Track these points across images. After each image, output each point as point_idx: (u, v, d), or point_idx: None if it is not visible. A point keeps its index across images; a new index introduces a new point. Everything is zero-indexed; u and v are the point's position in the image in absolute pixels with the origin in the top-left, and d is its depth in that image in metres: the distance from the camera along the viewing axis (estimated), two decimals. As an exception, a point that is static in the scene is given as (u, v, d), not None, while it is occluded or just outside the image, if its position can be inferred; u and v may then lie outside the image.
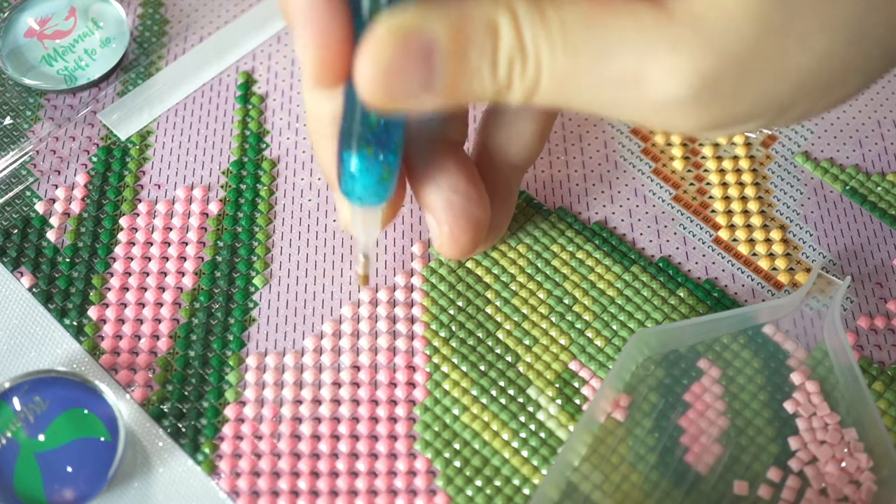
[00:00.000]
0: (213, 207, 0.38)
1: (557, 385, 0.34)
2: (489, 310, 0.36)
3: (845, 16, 0.23)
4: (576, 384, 0.34)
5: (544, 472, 0.32)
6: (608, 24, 0.24)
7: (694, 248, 0.37)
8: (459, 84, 0.25)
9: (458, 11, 0.24)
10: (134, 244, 0.37)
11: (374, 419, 0.33)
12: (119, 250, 0.37)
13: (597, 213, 0.38)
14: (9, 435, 0.32)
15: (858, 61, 0.24)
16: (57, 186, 0.38)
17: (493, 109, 0.34)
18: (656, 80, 0.24)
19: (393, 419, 0.33)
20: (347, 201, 0.30)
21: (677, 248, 0.37)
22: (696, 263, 0.37)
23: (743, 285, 0.36)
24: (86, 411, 0.32)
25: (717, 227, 0.38)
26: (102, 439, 0.32)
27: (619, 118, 0.27)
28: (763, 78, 0.24)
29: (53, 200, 0.38)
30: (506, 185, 0.35)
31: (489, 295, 0.36)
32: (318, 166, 0.33)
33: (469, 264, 0.36)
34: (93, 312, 0.35)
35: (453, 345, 0.35)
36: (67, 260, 0.36)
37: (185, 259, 0.37)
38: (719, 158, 0.39)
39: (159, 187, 0.38)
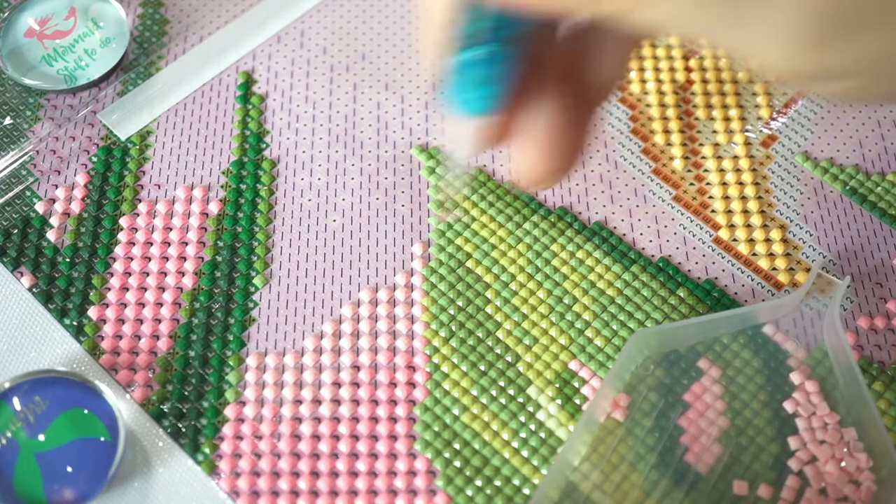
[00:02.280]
0: (213, 207, 0.38)
1: (557, 385, 0.34)
2: (489, 310, 0.36)
3: None
4: (576, 384, 0.34)
5: (544, 471, 0.32)
6: None
7: (694, 248, 0.37)
8: None
9: None
10: (134, 244, 0.37)
11: (374, 419, 0.33)
12: (119, 250, 0.37)
13: (597, 213, 0.38)
14: (9, 435, 0.32)
15: None
16: (57, 186, 0.38)
17: (578, 34, 0.31)
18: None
19: (393, 419, 0.33)
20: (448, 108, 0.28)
21: (677, 248, 0.37)
22: (696, 263, 0.37)
23: (743, 285, 0.36)
24: (86, 411, 0.32)
25: (717, 227, 0.38)
26: (102, 439, 0.32)
27: (727, 45, 0.26)
28: (878, 28, 0.22)
29: (53, 200, 0.38)
30: (587, 114, 0.33)
31: (489, 295, 0.36)
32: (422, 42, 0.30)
33: (469, 264, 0.36)
34: (93, 312, 0.35)
35: (453, 345, 0.35)
36: (67, 260, 0.36)
37: (185, 259, 0.37)
38: (719, 158, 0.39)
39: (159, 187, 0.38)
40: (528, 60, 0.30)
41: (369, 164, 0.39)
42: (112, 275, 0.36)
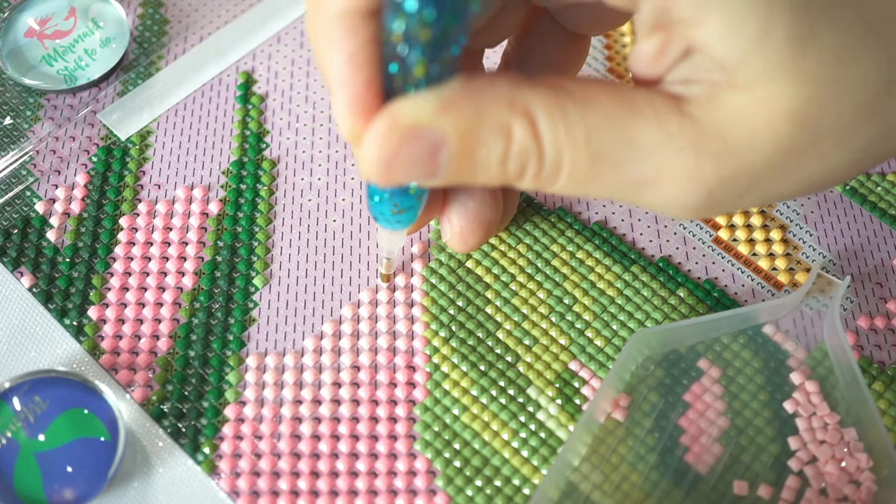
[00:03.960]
0: (213, 207, 0.38)
1: (557, 385, 0.34)
2: (489, 310, 0.36)
3: (861, 142, 0.25)
4: (576, 384, 0.34)
5: (544, 472, 0.32)
6: (633, 130, 0.24)
7: (694, 248, 0.37)
8: (463, 176, 0.25)
9: (473, 111, 0.24)
10: (134, 244, 0.37)
11: (374, 419, 0.33)
12: (119, 250, 0.37)
13: (597, 213, 0.38)
14: (9, 435, 0.32)
15: (854, 173, 0.26)
16: (57, 186, 0.38)
17: None
18: (674, 184, 0.25)
19: (393, 419, 0.33)
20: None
21: (677, 248, 0.37)
22: (696, 263, 0.37)
23: (743, 285, 0.36)
24: (86, 411, 0.32)
25: (717, 227, 0.38)
26: (102, 439, 0.32)
27: (627, 204, 0.28)
28: (772, 185, 0.25)
29: (53, 200, 0.38)
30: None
31: (489, 295, 0.36)
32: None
33: (469, 264, 0.36)
34: (93, 312, 0.35)
35: (453, 345, 0.35)
36: (67, 260, 0.36)
37: (185, 259, 0.37)
38: (719, 158, 0.39)
39: (159, 187, 0.38)
40: None
41: (369, 164, 0.39)
42: (112, 275, 0.36)
